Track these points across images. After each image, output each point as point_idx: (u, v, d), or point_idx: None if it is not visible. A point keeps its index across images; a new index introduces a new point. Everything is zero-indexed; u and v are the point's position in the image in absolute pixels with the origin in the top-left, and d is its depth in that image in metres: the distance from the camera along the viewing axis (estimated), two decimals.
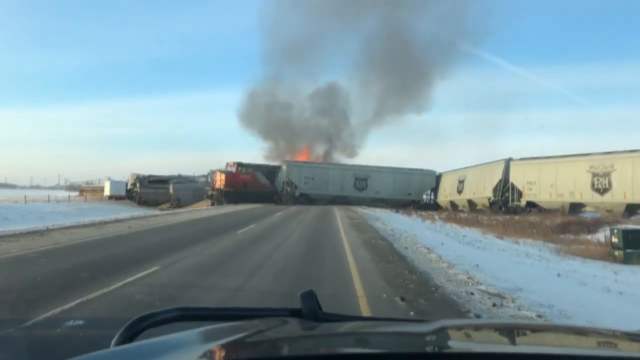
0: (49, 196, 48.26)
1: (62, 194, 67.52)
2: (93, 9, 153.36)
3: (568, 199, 31.09)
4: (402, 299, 6.78)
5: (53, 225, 17.70)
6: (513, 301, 7.15)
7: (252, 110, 65.78)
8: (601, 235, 18.94)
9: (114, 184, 56.87)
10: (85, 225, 18.07)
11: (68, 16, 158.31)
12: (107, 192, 56.19)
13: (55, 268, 8.60)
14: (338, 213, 29.28)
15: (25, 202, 36.69)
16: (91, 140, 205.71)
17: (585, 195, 29.87)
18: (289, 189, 45.74)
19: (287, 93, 66.08)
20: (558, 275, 10.95)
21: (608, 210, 28.58)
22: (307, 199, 44.55)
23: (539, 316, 6.29)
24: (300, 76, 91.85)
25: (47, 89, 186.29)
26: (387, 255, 11.63)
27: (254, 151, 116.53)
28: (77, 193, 67.52)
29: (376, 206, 40.01)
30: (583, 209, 31.16)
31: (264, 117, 64.06)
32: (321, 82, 77.34)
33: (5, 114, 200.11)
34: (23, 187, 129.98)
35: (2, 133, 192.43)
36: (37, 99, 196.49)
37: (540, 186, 33.18)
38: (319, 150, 64.16)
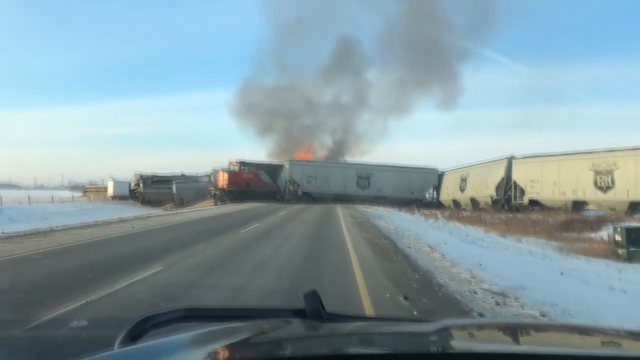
0: (52, 196, 48.35)
1: (66, 194, 67.64)
2: (92, 8, 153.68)
3: (571, 197, 31.04)
4: (406, 298, 6.78)
5: (57, 226, 17.74)
6: (516, 300, 7.14)
7: (250, 102, 64.66)
8: (604, 234, 18.86)
9: (118, 184, 57.00)
10: (88, 226, 18.11)
11: (67, 16, 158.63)
12: (110, 192, 56.35)
13: (59, 269, 8.62)
14: (341, 211, 29.28)
15: (29, 203, 36.84)
16: (94, 140, 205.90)
17: (588, 193, 29.82)
18: (291, 187, 45.79)
19: (292, 81, 64.94)
20: (561, 273, 10.92)
21: (611, 208, 28.51)
22: (309, 198, 44.59)
23: (543, 315, 6.28)
24: (306, 63, 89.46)
25: (49, 90, 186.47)
26: (390, 254, 11.62)
27: (257, 150, 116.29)
28: (80, 193, 67.65)
29: (379, 204, 40.00)
30: (586, 207, 31.10)
31: (264, 109, 63.04)
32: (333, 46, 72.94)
33: (8, 115, 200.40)
34: (27, 188, 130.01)
35: (6, 134, 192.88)
36: (40, 100, 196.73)
37: (543, 184, 33.14)
38: (328, 142, 63.23)
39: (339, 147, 62.75)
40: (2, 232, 14.83)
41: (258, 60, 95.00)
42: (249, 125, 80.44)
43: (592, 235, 20.65)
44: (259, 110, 63.68)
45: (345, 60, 64.25)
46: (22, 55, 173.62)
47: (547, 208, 31.98)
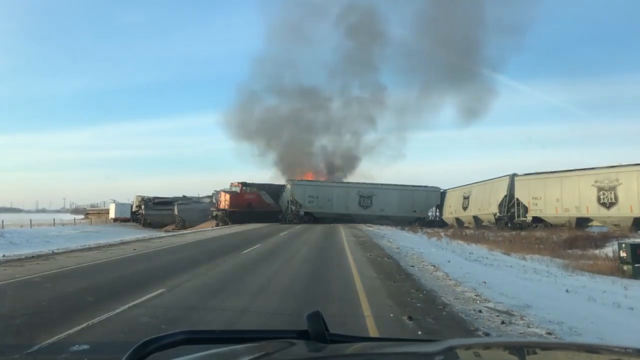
0: (54, 220, 48.39)
1: (68, 217, 67.78)
2: (93, 33, 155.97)
3: (574, 213, 30.94)
4: (410, 318, 6.71)
5: (58, 249, 17.70)
6: (522, 318, 7.07)
7: (250, 118, 63.79)
8: (609, 250, 18.78)
9: (119, 206, 57.06)
10: (90, 249, 18.06)
11: (68, 41, 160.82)
12: (112, 214, 56.38)
13: (60, 292, 8.57)
14: (343, 231, 29.19)
15: (31, 226, 36.84)
16: (96, 164, 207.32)
17: (592, 209, 29.72)
18: (293, 208, 45.70)
19: (294, 92, 63.93)
20: (567, 291, 10.84)
21: (615, 225, 28.39)
22: (311, 218, 44.46)
23: (549, 333, 6.21)
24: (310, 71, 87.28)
25: (51, 114, 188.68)
26: (393, 274, 11.54)
27: (259, 172, 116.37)
28: (82, 216, 67.75)
29: (381, 224, 39.86)
30: (590, 224, 30.98)
31: (265, 123, 62.31)
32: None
33: (10, 140, 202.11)
34: (29, 211, 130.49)
35: (8, 158, 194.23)
36: (41, 123, 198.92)
37: (546, 201, 33.07)
38: (332, 159, 62.58)
39: (344, 165, 62.33)
40: (4, 256, 14.79)
41: (257, 70, 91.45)
42: (250, 142, 79.39)
43: (597, 252, 20.55)
44: (259, 125, 63.48)
45: (356, 62, 63.71)
46: (24, 81, 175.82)
47: (551, 225, 31.86)
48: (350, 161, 62.99)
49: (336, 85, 71.86)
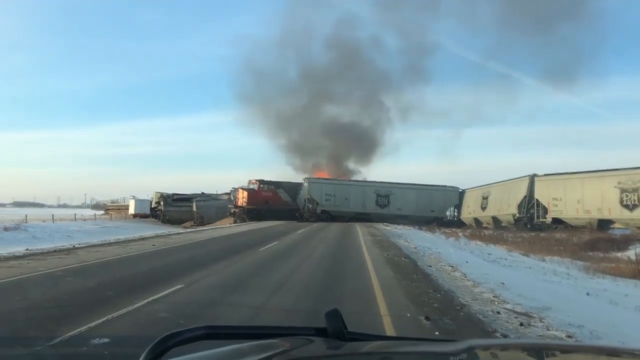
0: (75, 215, 49.18)
1: (88, 212, 68.76)
2: (113, 30, 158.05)
3: (596, 215, 30.42)
4: (427, 318, 6.68)
5: (79, 244, 17.99)
6: (541, 320, 6.98)
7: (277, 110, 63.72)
8: (632, 253, 18.44)
9: (139, 202, 57.68)
10: (110, 244, 18.33)
11: (88, 38, 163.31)
12: (131, 210, 57.02)
13: (81, 286, 8.72)
14: (360, 230, 29.13)
15: (53, 221, 37.45)
16: (117, 160, 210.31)
17: (614, 211, 29.19)
18: (310, 206, 45.76)
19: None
20: (587, 294, 10.67)
21: (638, 227, 27.85)
22: (328, 216, 44.46)
23: (569, 336, 6.12)
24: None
25: (74, 111, 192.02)
26: (410, 274, 11.49)
27: (277, 169, 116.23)
28: (102, 212, 68.74)
29: (399, 223, 39.68)
30: (612, 226, 30.44)
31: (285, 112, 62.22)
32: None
33: (33, 136, 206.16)
34: (51, 206, 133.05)
35: (31, 154, 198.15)
36: (64, 120, 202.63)
37: (566, 202, 32.58)
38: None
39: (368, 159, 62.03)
40: (27, 250, 15.10)
41: (279, 49, 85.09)
42: (270, 136, 78.18)
43: (619, 254, 20.19)
44: (281, 116, 63.63)
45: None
46: (47, 79, 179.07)
47: (571, 227, 31.39)
48: (375, 155, 62.55)
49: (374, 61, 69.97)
